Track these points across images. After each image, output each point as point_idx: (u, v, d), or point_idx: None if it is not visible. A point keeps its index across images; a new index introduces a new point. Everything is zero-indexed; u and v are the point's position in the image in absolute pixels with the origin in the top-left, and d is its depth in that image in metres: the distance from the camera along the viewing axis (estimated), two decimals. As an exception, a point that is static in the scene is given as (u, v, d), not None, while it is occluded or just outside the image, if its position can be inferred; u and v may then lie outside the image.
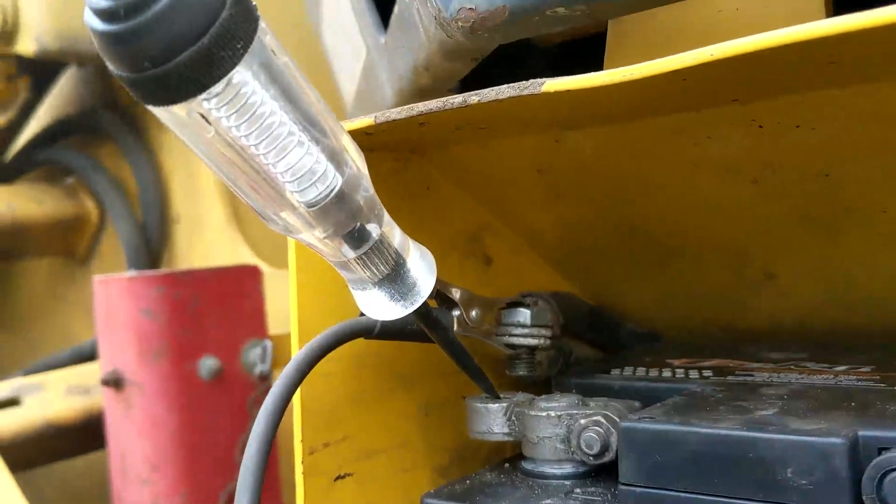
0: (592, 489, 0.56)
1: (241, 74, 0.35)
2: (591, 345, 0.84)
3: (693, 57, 0.41)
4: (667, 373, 0.66)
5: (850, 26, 0.38)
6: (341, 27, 0.97)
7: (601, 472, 0.58)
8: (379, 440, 0.65)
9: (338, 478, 0.61)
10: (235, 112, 0.36)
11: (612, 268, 0.80)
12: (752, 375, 0.63)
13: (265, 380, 1.53)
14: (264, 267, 1.69)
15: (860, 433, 0.45)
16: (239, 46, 0.34)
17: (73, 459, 1.82)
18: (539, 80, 0.47)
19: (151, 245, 1.91)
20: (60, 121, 2.13)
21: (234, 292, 1.53)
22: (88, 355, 2.00)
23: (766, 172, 0.59)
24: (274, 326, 1.60)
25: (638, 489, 0.51)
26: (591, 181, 0.67)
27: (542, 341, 0.66)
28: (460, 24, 0.50)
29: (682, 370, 0.67)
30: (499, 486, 0.58)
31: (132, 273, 1.52)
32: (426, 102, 0.53)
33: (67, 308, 2.29)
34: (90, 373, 1.76)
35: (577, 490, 0.56)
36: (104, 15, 0.33)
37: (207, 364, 1.48)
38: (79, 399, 1.69)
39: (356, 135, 0.58)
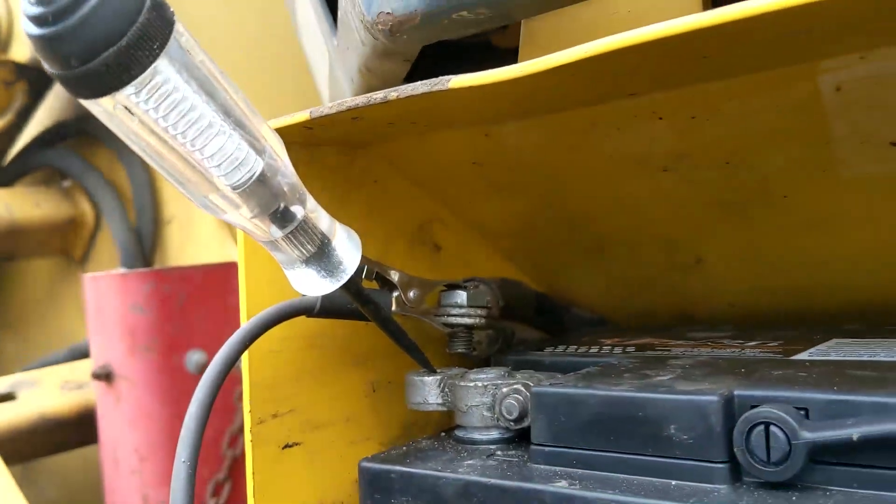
0: (512, 452, 0.61)
1: (160, 71, 0.40)
2: (538, 328, 0.89)
3: (576, 53, 0.46)
4: (594, 349, 0.71)
5: (713, 21, 0.43)
6: (312, 32, 1.03)
7: (522, 437, 0.63)
8: (327, 413, 0.70)
9: (286, 446, 0.66)
10: (157, 104, 0.41)
11: (556, 256, 0.85)
12: (669, 351, 0.68)
13: (250, 373, 1.58)
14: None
15: (736, 392, 0.50)
16: (155, 46, 0.40)
17: (68, 453, 1.88)
18: (447, 77, 0.52)
19: (145, 245, 1.97)
20: (56, 125, 2.19)
21: (220, 288, 1.58)
22: (85, 353, 2.06)
23: (673, 161, 0.63)
24: (260, 322, 1.65)
25: (547, 448, 0.56)
26: (525, 173, 0.72)
27: (477, 320, 0.71)
28: (380, 27, 0.55)
29: (608, 347, 0.71)
30: (430, 451, 0.63)
31: (122, 270, 1.58)
32: (354, 98, 0.58)
33: (65, 308, 2.34)
34: (84, 369, 1.82)
35: (499, 452, 0.61)
36: (36, 20, 0.38)
37: (194, 358, 1.53)
38: (73, 394, 1.74)
39: (296, 129, 0.63)
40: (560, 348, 0.73)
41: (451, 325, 0.72)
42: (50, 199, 2.18)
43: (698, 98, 0.57)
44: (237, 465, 1.56)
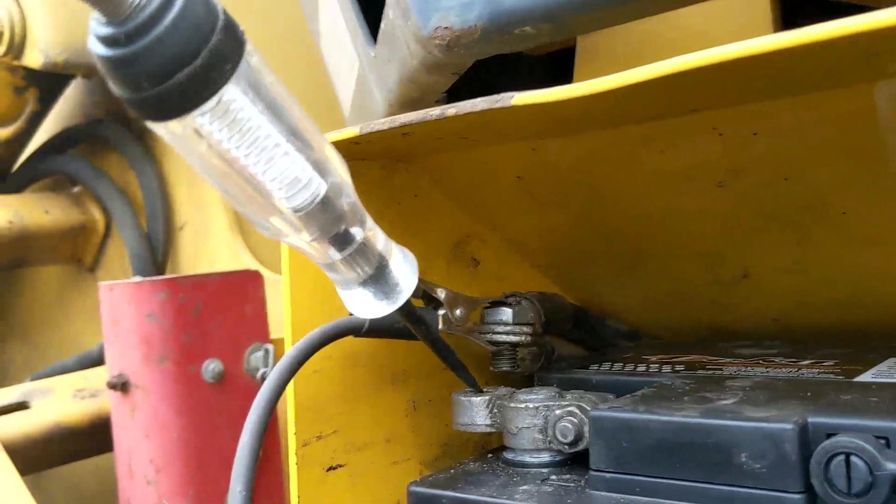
0: (567, 476, 0.59)
1: (231, 93, 0.39)
2: (576, 343, 0.88)
3: (647, 72, 0.45)
4: (642, 368, 0.70)
5: (790, 42, 0.42)
6: (337, 40, 1.01)
7: (576, 460, 0.61)
8: (369, 434, 0.69)
9: (330, 469, 0.65)
10: (226, 126, 0.40)
11: (593, 270, 0.84)
12: (721, 370, 0.66)
13: (267, 382, 1.56)
14: (265, 272, 1.73)
15: (810, 419, 0.49)
16: (228, 68, 0.38)
17: (81, 462, 1.86)
18: (509, 94, 0.50)
19: (156, 252, 1.95)
20: (67, 131, 2.18)
21: (237, 297, 1.56)
22: (95, 361, 2.04)
23: (729, 177, 0.62)
24: (275, 330, 1.64)
25: (607, 475, 0.55)
26: (568, 188, 0.71)
27: (523, 338, 0.70)
28: (437, 41, 0.54)
29: (656, 365, 0.70)
30: (480, 475, 0.62)
31: (137, 279, 1.56)
32: (408, 114, 0.56)
33: (75, 315, 2.33)
34: (97, 377, 1.80)
35: (553, 477, 0.60)
36: (106, 41, 0.37)
37: (211, 367, 1.51)
38: (86, 403, 1.73)
39: (344, 144, 0.62)
40: (605, 366, 0.72)
41: (497, 343, 0.70)
42: (59, 206, 2.16)
43: (760, 114, 0.55)
44: (255, 475, 1.54)
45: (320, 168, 0.46)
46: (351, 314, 0.61)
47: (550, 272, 0.86)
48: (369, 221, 0.51)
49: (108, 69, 0.37)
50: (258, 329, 1.59)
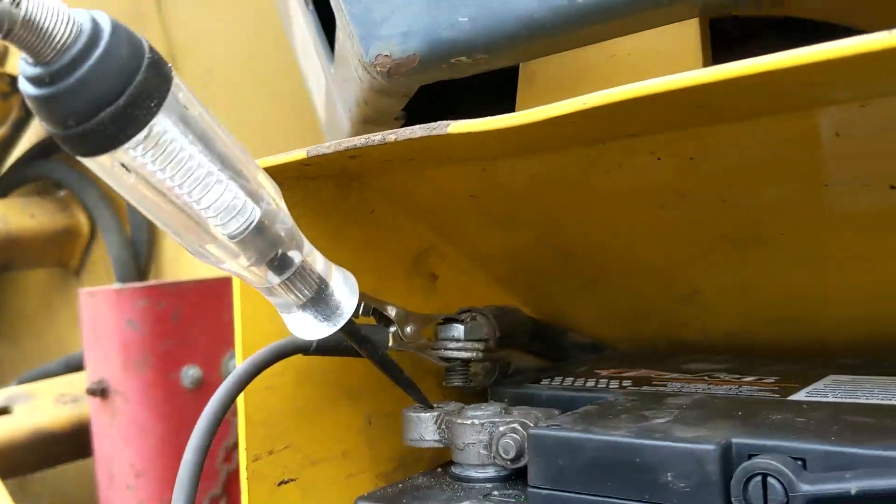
0: (509, 491, 0.61)
1: (159, 126, 0.40)
2: (537, 355, 0.89)
3: (568, 105, 0.46)
4: (591, 383, 0.71)
5: (714, 77, 0.43)
6: (310, 55, 1.03)
7: (520, 475, 0.63)
8: (323, 449, 0.70)
9: (281, 483, 0.66)
10: (158, 158, 0.41)
11: (552, 285, 0.85)
12: (665, 386, 0.68)
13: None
14: (247, 279, 1.74)
15: (734, 440, 0.50)
16: (153, 105, 0.39)
17: (64, 466, 1.87)
18: (445, 123, 0.52)
19: (139, 258, 1.96)
20: (52, 136, 2.19)
21: (215, 303, 1.58)
22: (80, 365, 2.05)
23: (672, 199, 0.63)
24: (255, 337, 1.65)
25: (544, 491, 0.56)
26: (521, 207, 0.72)
27: (475, 354, 0.71)
28: (378, 68, 0.55)
29: (605, 381, 0.71)
30: (427, 489, 0.63)
31: (117, 285, 1.57)
32: (351, 139, 0.58)
33: (60, 318, 2.34)
34: (79, 382, 1.81)
35: (496, 492, 0.61)
36: (33, 80, 0.38)
37: (190, 373, 1.53)
38: (68, 408, 1.74)
39: (294, 165, 0.63)
40: (557, 381, 0.73)
41: (448, 360, 0.72)
42: (45, 210, 2.17)
43: (696, 140, 0.57)
44: (233, 479, 1.55)
45: (253, 195, 0.47)
46: (298, 333, 0.62)
47: (510, 286, 0.87)
48: (307, 245, 0.52)
49: (35, 107, 0.38)
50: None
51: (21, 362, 2.39)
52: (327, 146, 0.59)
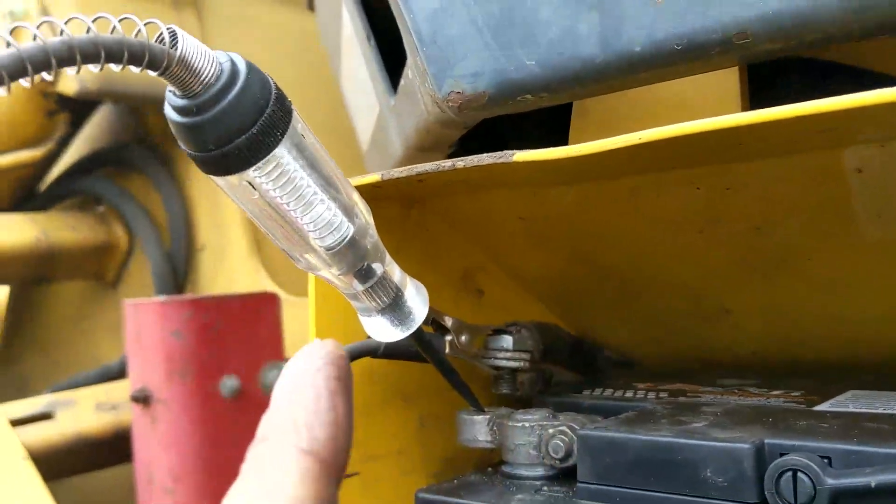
0: (557, 487, 0.67)
1: (280, 153, 0.47)
2: (572, 370, 0.95)
3: (626, 139, 0.53)
4: (629, 394, 0.77)
5: (745, 121, 0.50)
6: (359, 83, 1.10)
7: (566, 474, 0.68)
8: (381, 446, 0.76)
9: (346, 476, 0.72)
10: (274, 180, 0.48)
11: (589, 303, 0.92)
12: (699, 397, 0.74)
13: (281, 400, 1.64)
14: (282, 294, 1.81)
15: (766, 441, 0.56)
16: (278, 133, 0.46)
17: (101, 472, 1.94)
18: (510, 152, 0.58)
19: (178, 272, 2.04)
20: (94, 153, 2.28)
21: (255, 317, 1.65)
22: (116, 374, 2.12)
23: (708, 225, 0.70)
24: (290, 350, 1.71)
25: (592, 486, 0.62)
26: (566, 229, 0.79)
27: (522, 364, 0.78)
28: (450, 103, 0.62)
29: (643, 392, 0.77)
30: (481, 485, 0.69)
31: (162, 298, 1.64)
32: (423, 165, 0.65)
33: (94, 330, 2.41)
34: (118, 390, 1.88)
35: (545, 488, 0.67)
36: (180, 111, 0.45)
37: (229, 383, 1.59)
38: (108, 415, 1.81)
39: (367, 188, 0.70)
40: (597, 391, 0.79)
41: (498, 368, 0.78)
42: (85, 224, 2.25)
43: (733, 173, 0.63)
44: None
45: (348, 212, 0.54)
46: (369, 338, 0.69)
47: (550, 303, 0.94)
48: (388, 258, 0.59)
49: (179, 133, 0.45)
50: (274, 348, 1.67)
51: (55, 372, 2.46)
52: (400, 171, 0.66)
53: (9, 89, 0.38)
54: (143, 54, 0.41)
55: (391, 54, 0.92)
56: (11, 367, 2.53)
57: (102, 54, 0.40)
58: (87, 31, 0.40)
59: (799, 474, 0.53)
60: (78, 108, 2.14)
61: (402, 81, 0.77)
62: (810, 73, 0.82)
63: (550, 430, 0.68)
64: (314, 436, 0.41)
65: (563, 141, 0.75)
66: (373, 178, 0.68)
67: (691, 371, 0.89)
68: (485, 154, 0.60)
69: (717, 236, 0.71)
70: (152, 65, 0.42)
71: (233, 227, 1.98)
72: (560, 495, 0.65)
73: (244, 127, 0.45)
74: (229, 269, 1.99)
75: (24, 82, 0.38)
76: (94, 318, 2.41)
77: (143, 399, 1.58)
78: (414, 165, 0.66)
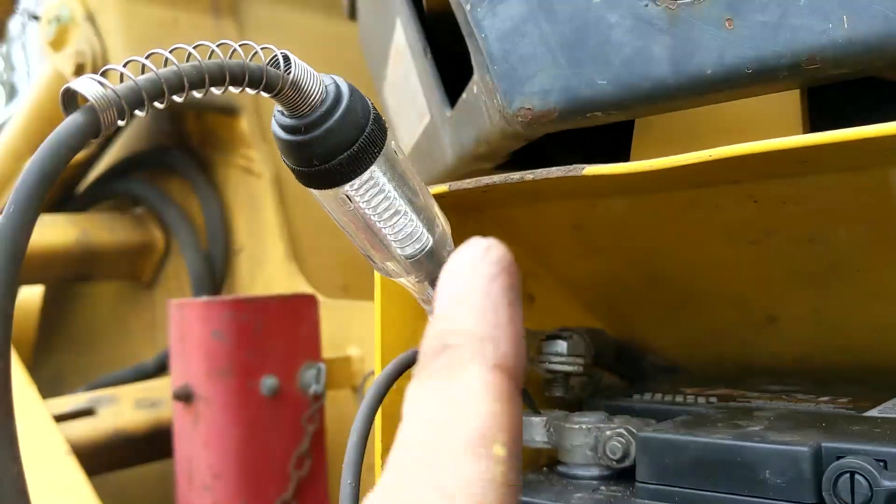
0: (614, 487, 0.70)
1: (375, 169, 0.50)
2: (617, 375, 0.98)
3: (696, 156, 0.56)
4: (679, 398, 0.80)
5: (812, 141, 0.53)
6: (407, 90, 1.13)
7: (622, 475, 0.71)
8: (440, 445, 0.79)
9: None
10: (367, 193, 0.51)
11: (637, 310, 0.94)
12: (749, 402, 0.77)
13: (318, 399, 1.68)
14: (318, 297, 1.85)
15: (823, 444, 0.59)
16: (376, 150, 0.50)
17: (135, 469, 1.98)
18: (580, 166, 0.61)
19: (215, 274, 2.08)
20: (133, 156, 2.33)
21: (294, 318, 1.68)
22: (150, 373, 2.17)
23: (762, 236, 0.73)
24: (327, 351, 1.75)
25: (651, 486, 0.65)
26: (620, 238, 0.82)
27: (576, 368, 0.80)
28: (519, 118, 0.65)
29: (692, 397, 0.80)
30: (538, 483, 0.72)
31: (204, 298, 1.69)
32: (491, 176, 0.68)
33: (130, 330, 2.46)
34: (157, 388, 1.93)
35: (602, 487, 0.70)
36: (287, 129, 0.48)
37: (268, 383, 1.63)
38: (147, 412, 1.85)
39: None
40: (647, 396, 0.82)
41: (552, 372, 0.81)
42: (123, 225, 2.30)
43: (790, 187, 0.66)
44: (303, 485, 1.65)
45: (430, 224, 0.57)
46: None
47: (597, 310, 0.97)
48: (462, 267, 0.62)
49: (286, 150, 0.49)
50: (312, 349, 1.70)
51: (90, 371, 2.51)
52: (468, 182, 0.69)
53: (147, 111, 0.41)
54: (261, 78, 0.45)
55: (443, 68, 0.96)
56: (47, 365, 2.59)
57: (227, 78, 0.43)
58: (210, 55, 0.44)
59: (857, 476, 0.55)
60: (118, 112, 2.19)
61: (465, 95, 0.80)
62: (871, 91, 0.85)
63: (608, 433, 0.71)
64: (502, 351, 0.35)
65: (598, 154, 0.77)
66: (440, 188, 0.71)
67: (734, 377, 0.92)
68: (554, 167, 0.63)
69: (770, 247, 0.74)
70: (268, 87, 0.45)
71: (270, 230, 2.02)
72: (618, 494, 0.68)
73: (346, 145, 0.48)
74: (266, 272, 2.03)
75: (158, 104, 0.42)
76: (130, 318, 2.46)
77: (184, 397, 1.62)
78: (481, 178, 0.69)
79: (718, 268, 0.80)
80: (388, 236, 0.55)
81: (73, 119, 0.39)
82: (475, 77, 0.73)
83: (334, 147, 0.48)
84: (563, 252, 0.88)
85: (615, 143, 0.88)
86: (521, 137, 0.73)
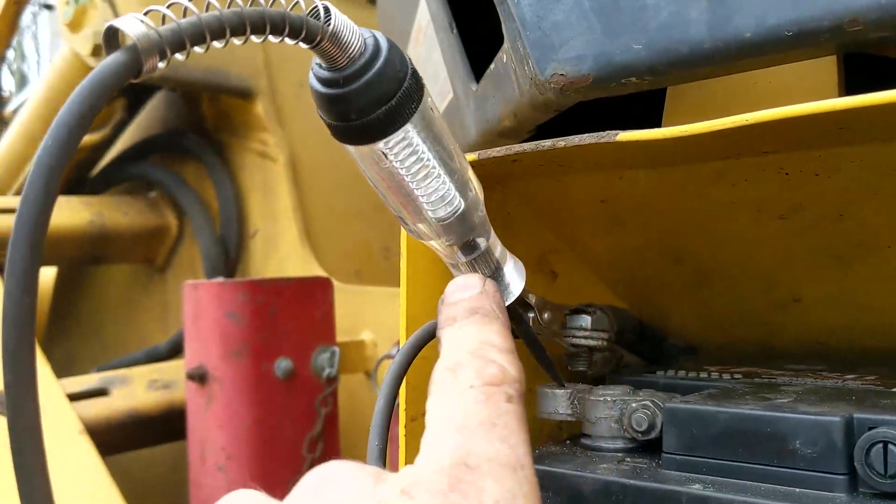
0: (640, 459, 0.69)
1: (412, 125, 0.50)
2: (638, 355, 0.97)
3: (732, 121, 0.55)
4: (704, 375, 0.79)
5: (851, 104, 0.52)
6: (429, 66, 1.13)
7: (647, 447, 0.71)
8: (462, 417, 0.79)
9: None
10: (402, 151, 0.51)
11: (660, 289, 0.94)
12: (775, 379, 0.76)
13: (332, 382, 1.68)
14: (333, 281, 1.85)
15: (855, 415, 0.58)
16: (413, 106, 0.49)
17: (147, 449, 1.99)
18: (614, 132, 0.61)
19: (229, 257, 2.08)
20: (148, 139, 2.33)
21: (308, 301, 1.68)
22: (163, 356, 2.18)
23: (790, 211, 0.72)
24: (341, 335, 1.75)
25: (678, 457, 0.64)
26: (647, 212, 0.81)
27: (599, 342, 0.80)
28: (552, 85, 0.65)
29: (716, 374, 0.80)
30: (563, 455, 0.72)
31: (220, 279, 1.69)
32: (521, 144, 0.67)
33: (142, 312, 2.47)
34: (170, 369, 1.93)
35: (627, 459, 0.70)
36: (325, 82, 0.48)
37: (282, 365, 1.63)
38: (160, 393, 1.85)
39: (461, 167, 0.73)
40: (671, 372, 0.82)
41: (576, 346, 0.80)
42: (137, 209, 2.31)
43: (823, 158, 0.65)
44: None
45: (462, 188, 0.57)
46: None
47: (619, 288, 0.96)
48: (492, 233, 0.62)
49: (323, 103, 0.48)
50: (326, 332, 1.70)
51: (101, 353, 2.52)
52: (497, 151, 0.69)
53: (188, 54, 0.41)
54: (301, 28, 0.44)
55: (466, 46, 0.95)
56: (58, 347, 2.59)
57: (268, 26, 0.43)
58: (251, 2, 0.44)
59: (890, 446, 0.55)
60: (135, 94, 2.19)
61: (493, 66, 0.79)
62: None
63: (633, 405, 0.71)
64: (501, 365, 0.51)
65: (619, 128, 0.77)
66: (470, 157, 0.71)
67: (756, 358, 0.91)
68: (587, 134, 0.63)
69: (799, 222, 0.73)
70: (308, 38, 0.45)
71: (284, 214, 2.02)
72: (644, 465, 0.67)
73: (385, 99, 0.48)
74: (280, 256, 2.03)
75: (199, 48, 0.41)
76: (142, 301, 2.47)
77: (198, 377, 1.62)
78: (511, 146, 0.68)
79: (744, 244, 0.80)
80: (421, 198, 0.55)
81: (115, 57, 0.39)
82: (505, 46, 0.72)
83: (373, 101, 0.48)
84: (588, 228, 0.88)
85: (643, 121, 0.87)
86: (552, 107, 0.72)
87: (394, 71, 0.48)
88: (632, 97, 0.92)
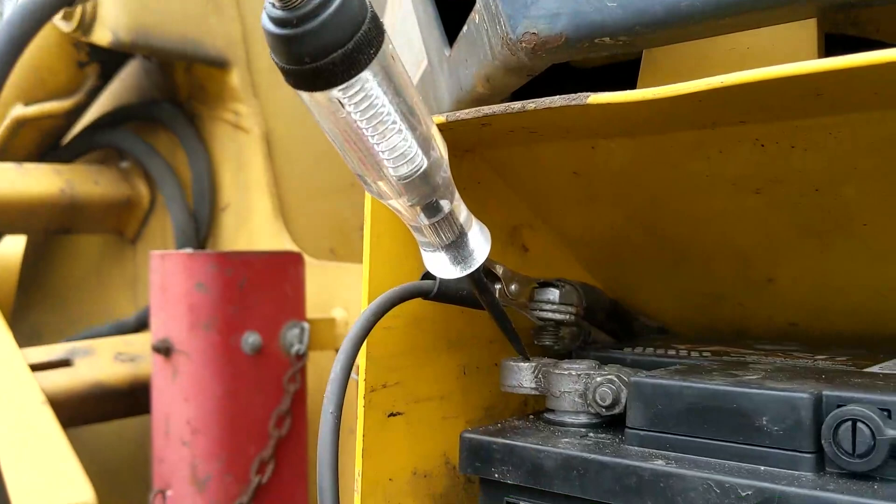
0: (603, 434, 0.67)
1: (370, 73, 0.47)
2: (608, 333, 0.96)
3: (707, 83, 0.53)
4: (671, 352, 0.78)
5: (830, 66, 0.50)
6: (403, 34, 1.10)
7: (611, 423, 0.69)
8: (426, 389, 0.77)
9: (391, 414, 0.73)
10: (360, 100, 0.48)
11: (634, 267, 0.92)
12: (744, 357, 0.74)
13: (301, 359, 1.65)
14: (305, 257, 1.81)
15: (824, 392, 0.57)
16: (371, 52, 0.47)
17: (103, 427, 1.94)
18: (585, 94, 0.59)
19: (200, 229, 2.04)
20: (121, 108, 2.28)
21: (279, 276, 1.65)
22: (131, 329, 2.13)
23: (767, 185, 0.70)
24: (312, 311, 1.72)
25: (642, 432, 0.62)
26: (620, 185, 0.79)
27: (567, 317, 0.78)
28: (524, 45, 0.62)
29: (685, 352, 0.78)
30: (525, 429, 0.70)
31: (189, 250, 1.65)
32: (490, 106, 0.65)
33: (111, 285, 2.42)
34: (137, 342, 1.90)
35: (591, 434, 0.68)
36: (278, 22, 0.45)
37: (250, 340, 1.60)
38: (126, 366, 1.82)
39: (428, 130, 0.70)
40: (639, 349, 0.80)
41: (543, 319, 0.78)
42: (108, 179, 2.26)
43: (801, 130, 0.63)
44: (282, 445, 1.62)
45: (425, 146, 0.54)
46: (422, 278, 0.70)
47: (591, 266, 0.94)
48: (457, 196, 0.59)
49: (276, 45, 0.46)
50: (296, 307, 1.67)
51: (68, 325, 2.47)
52: (466, 112, 0.67)
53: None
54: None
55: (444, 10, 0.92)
56: (26, 318, 2.54)
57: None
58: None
59: (859, 424, 0.53)
60: (109, 61, 2.14)
61: (465, 28, 0.77)
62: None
63: (598, 379, 0.69)
64: None
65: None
66: (437, 119, 0.68)
67: (729, 339, 0.90)
68: (557, 96, 0.60)
69: (775, 197, 0.71)
70: (259, -31, 0.42)
71: (257, 187, 1.99)
72: (607, 440, 0.65)
73: (341, 42, 0.45)
74: (252, 229, 1.99)
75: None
76: (112, 273, 2.42)
77: (164, 350, 1.59)
78: (481, 107, 0.66)
79: (720, 220, 0.78)
80: (381, 153, 0.52)
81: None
82: (477, 5, 0.69)
83: (328, 43, 0.45)
84: (560, 201, 0.86)
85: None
86: (525, 70, 0.69)
87: (352, 13, 0.45)
88: (609, 73, 0.90)
